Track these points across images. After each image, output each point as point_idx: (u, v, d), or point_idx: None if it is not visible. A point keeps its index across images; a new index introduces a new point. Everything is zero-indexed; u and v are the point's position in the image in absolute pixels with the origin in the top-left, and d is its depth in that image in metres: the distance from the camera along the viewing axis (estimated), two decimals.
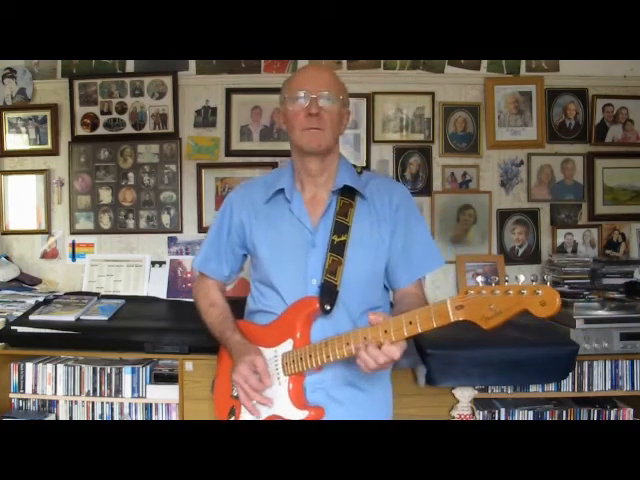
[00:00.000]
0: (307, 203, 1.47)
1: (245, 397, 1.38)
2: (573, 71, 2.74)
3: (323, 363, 1.32)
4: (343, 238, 1.40)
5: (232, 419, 1.46)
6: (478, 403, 2.17)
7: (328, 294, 1.37)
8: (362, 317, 1.39)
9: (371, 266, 1.45)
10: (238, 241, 1.55)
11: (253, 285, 1.56)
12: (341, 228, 1.41)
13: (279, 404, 1.38)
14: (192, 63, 2.76)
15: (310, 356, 1.33)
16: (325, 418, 1.37)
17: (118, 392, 2.27)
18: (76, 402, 2.32)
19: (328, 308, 1.36)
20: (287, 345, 1.39)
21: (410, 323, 1.18)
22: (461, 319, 1.12)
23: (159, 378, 2.27)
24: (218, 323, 1.53)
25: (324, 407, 1.37)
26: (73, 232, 2.80)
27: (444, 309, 1.13)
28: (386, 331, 1.20)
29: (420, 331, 1.17)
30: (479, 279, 1.11)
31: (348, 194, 1.45)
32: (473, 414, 2.12)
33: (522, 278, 1.06)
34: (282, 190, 1.47)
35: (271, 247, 1.47)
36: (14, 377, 2.31)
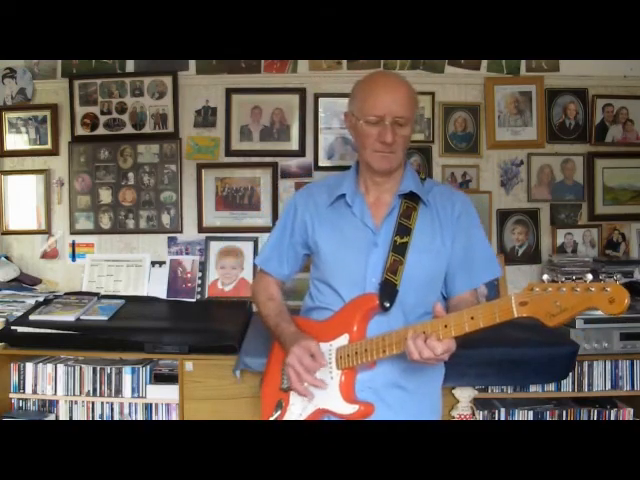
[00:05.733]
0: (370, 205, 1.50)
1: (297, 379, 1.38)
2: (573, 71, 2.74)
3: (378, 357, 1.32)
4: (405, 240, 1.42)
5: (277, 414, 1.47)
6: (478, 403, 2.17)
7: (388, 292, 1.39)
8: (418, 321, 1.39)
9: (431, 270, 1.46)
10: (301, 241, 1.58)
11: (312, 283, 1.58)
12: (404, 230, 1.43)
13: (329, 398, 1.38)
14: (192, 63, 2.76)
15: (366, 350, 1.34)
16: (373, 419, 1.36)
17: (118, 392, 2.28)
18: (76, 402, 2.32)
19: (387, 305, 1.38)
20: (343, 339, 1.40)
21: (472, 318, 1.19)
22: (525, 315, 1.13)
23: (159, 378, 2.27)
24: (274, 315, 1.55)
25: (373, 404, 1.37)
26: (73, 232, 2.80)
27: (508, 304, 1.14)
28: (446, 325, 1.21)
29: (482, 326, 1.18)
30: (545, 277, 1.13)
31: (412, 199, 1.47)
32: (473, 414, 2.12)
33: (590, 277, 1.07)
34: (344, 195, 1.50)
35: (333, 246, 1.49)
36: (14, 377, 2.31)
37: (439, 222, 1.47)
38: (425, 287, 1.45)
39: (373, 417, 1.36)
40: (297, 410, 1.44)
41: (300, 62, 2.74)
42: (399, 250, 1.41)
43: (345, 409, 1.36)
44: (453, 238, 1.46)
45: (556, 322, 1.09)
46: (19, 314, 2.33)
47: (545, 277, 1.13)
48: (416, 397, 1.44)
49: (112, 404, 2.31)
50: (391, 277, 1.40)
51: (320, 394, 1.39)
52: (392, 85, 1.42)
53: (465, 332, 1.20)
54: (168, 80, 2.74)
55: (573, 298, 1.07)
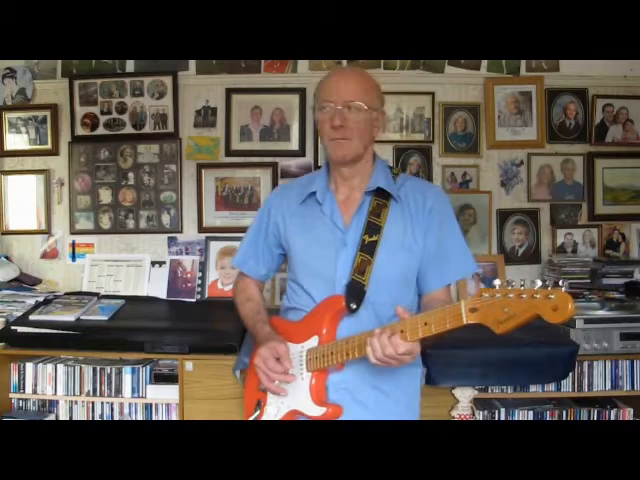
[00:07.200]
0: (340, 203, 1.47)
1: (266, 379, 1.39)
2: (573, 71, 2.74)
3: (344, 360, 1.32)
4: (374, 238, 1.40)
5: (257, 414, 1.47)
6: (478, 403, 2.17)
7: (354, 293, 1.37)
8: (391, 321, 1.35)
9: (402, 268, 1.43)
10: (274, 241, 1.57)
11: (288, 284, 1.57)
12: (373, 228, 1.41)
13: (300, 399, 1.38)
14: (192, 63, 2.76)
15: (332, 353, 1.33)
16: (348, 419, 1.36)
17: (118, 392, 2.28)
18: (76, 402, 2.32)
19: (354, 307, 1.36)
20: (313, 341, 1.39)
21: (425, 324, 1.16)
22: (473, 322, 1.08)
23: (159, 378, 2.27)
24: (252, 316, 1.56)
25: (343, 406, 1.36)
26: (73, 232, 2.80)
27: (457, 311, 1.10)
28: (402, 331, 1.19)
29: (434, 332, 1.14)
30: (496, 282, 1.07)
31: (382, 195, 1.44)
32: (473, 414, 2.12)
33: (539, 282, 1.01)
34: (315, 193, 1.48)
35: (303, 246, 1.48)
36: (14, 377, 2.31)
37: (410, 218, 1.43)
38: (398, 286, 1.42)
39: (351, 417, 1.35)
40: (272, 411, 1.44)
41: (300, 62, 2.74)
42: (367, 249, 1.39)
43: (314, 411, 1.36)
44: (424, 233, 1.42)
45: (504, 330, 1.04)
46: (19, 314, 2.33)
47: (496, 282, 1.06)
48: (392, 398, 1.42)
49: (112, 404, 2.31)
50: (358, 278, 1.37)
51: (292, 395, 1.40)
52: (345, 73, 1.47)
53: (420, 337, 1.17)
54: (168, 80, 2.74)
55: (520, 304, 1.01)
